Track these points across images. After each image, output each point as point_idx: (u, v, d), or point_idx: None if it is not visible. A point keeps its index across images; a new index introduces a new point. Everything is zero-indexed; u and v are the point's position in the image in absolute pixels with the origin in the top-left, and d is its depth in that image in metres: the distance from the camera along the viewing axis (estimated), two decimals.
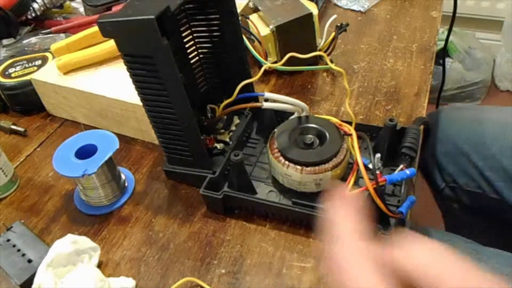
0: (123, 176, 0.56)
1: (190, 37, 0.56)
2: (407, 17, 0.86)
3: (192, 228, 0.51)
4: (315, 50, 0.71)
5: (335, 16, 0.74)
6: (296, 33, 0.69)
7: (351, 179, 0.47)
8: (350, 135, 0.50)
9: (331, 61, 0.72)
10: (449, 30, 0.89)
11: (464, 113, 0.76)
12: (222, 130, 0.58)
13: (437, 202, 0.83)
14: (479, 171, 0.70)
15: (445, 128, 0.75)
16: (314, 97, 0.69)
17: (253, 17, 0.72)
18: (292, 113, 0.56)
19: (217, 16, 0.54)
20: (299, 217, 0.49)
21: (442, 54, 1.11)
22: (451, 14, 0.84)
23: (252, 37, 0.70)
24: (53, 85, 0.65)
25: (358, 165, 0.45)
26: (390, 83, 0.70)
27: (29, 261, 0.47)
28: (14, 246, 0.48)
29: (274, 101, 0.54)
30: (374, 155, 0.46)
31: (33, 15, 0.87)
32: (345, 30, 0.74)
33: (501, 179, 0.68)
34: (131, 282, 0.46)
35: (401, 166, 0.48)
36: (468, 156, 0.71)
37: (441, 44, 1.23)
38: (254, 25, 0.69)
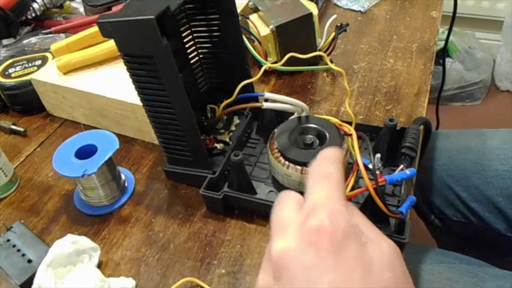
0: (123, 176, 0.56)
1: (190, 37, 0.56)
2: (407, 17, 0.86)
3: (192, 228, 0.51)
4: (315, 50, 0.71)
5: (335, 16, 0.74)
6: (296, 33, 0.69)
7: (351, 179, 0.47)
8: (350, 135, 0.50)
9: (331, 61, 0.72)
10: (449, 30, 0.89)
11: (446, 142, 0.77)
12: (222, 130, 0.58)
13: (428, 230, 0.84)
14: (463, 202, 0.71)
15: (429, 159, 0.75)
16: (314, 97, 0.69)
17: (253, 17, 0.72)
18: (292, 113, 0.56)
19: (217, 16, 0.54)
20: None
21: (442, 54, 1.10)
22: (451, 14, 0.84)
23: (252, 37, 0.70)
24: (53, 85, 0.65)
25: (358, 165, 0.45)
26: (390, 83, 0.70)
27: (29, 261, 0.47)
28: (14, 246, 0.48)
29: (274, 101, 0.54)
30: (374, 155, 0.46)
31: (33, 15, 0.87)
32: (345, 30, 0.74)
33: (486, 209, 0.69)
34: (131, 282, 0.46)
35: (401, 166, 0.48)
36: (452, 188, 0.72)
37: (441, 44, 1.23)
38: (254, 25, 0.69)
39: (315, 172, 0.29)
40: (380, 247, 0.26)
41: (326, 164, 0.30)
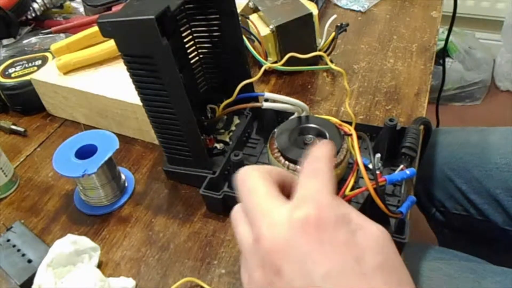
0: (123, 176, 0.56)
1: (190, 37, 0.56)
2: (407, 17, 0.86)
3: (192, 228, 0.51)
4: (315, 50, 0.71)
5: (335, 16, 0.74)
6: (296, 33, 0.69)
7: (351, 179, 0.47)
8: (350, 135, 0.50)
9: (331, 61, 0.72)
10: (449, 30, 0.89)
11: (447, 137, 0.78)
12: (222, 130, 0.58)
13: (429, 224, 0.84)
14: (464, 194, 0.72)
15: (430, 154, 0.75)
16: (314, 97, 0.69)
17: (253, 17, 0.72)
18: (292, 113, 0.56)
19: (217, 16, 0.54)
20: None
21: (442, 54, 1.11)
22: (451, 14, 0.84)
23: (252, 37, 0.70)
24: (53, 85, 0.65)
25: (358, 165, 0.45)
26: (390, 83, 0.70)
27: (29, 261, 0.47)
28: (14, 246, 0.49)
29: (274, 101, 0.54)
30: (374, 155, 0.46)
31: (33, 15, 0.87)
32: (345, 30, 0.74)
33: (485, 201, 0.70)
34: (131, 282, 0.46)
35: (401, 166, 0.48)
36: (453, 180, 0.73)
37: (441, 44, 1.23)
38: (254, 25, 0.69)
39: (306, 169, 0.30)
40: (370, 232, 0.27)
41: (317, 162, 0.31)
